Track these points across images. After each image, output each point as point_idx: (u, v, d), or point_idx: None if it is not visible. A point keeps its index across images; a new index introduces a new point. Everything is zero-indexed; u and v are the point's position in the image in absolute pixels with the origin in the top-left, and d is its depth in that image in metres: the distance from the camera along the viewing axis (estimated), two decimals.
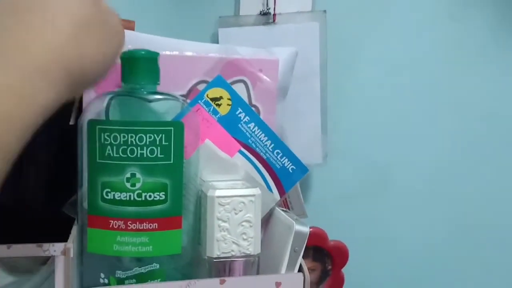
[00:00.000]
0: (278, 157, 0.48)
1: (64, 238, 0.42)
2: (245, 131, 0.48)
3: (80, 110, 0.46)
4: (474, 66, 0.67)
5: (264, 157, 0.48)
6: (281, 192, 0.49)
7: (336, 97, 0.63)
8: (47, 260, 0.44)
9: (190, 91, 0.48)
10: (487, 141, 0.69)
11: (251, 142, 0.48)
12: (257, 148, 0.48)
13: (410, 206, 0.68)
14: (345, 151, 0.66)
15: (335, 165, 0.64)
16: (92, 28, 0.30)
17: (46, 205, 0.49)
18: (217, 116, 0.48)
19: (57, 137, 0.49)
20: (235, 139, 0.48)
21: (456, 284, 0.70)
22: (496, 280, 0.71)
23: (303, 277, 0.45)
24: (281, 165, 0.48)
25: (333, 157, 0.63)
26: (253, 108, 0.49)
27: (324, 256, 0.61)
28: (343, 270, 0.61)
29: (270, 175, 0.48)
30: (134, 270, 0.43)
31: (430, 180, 0.68)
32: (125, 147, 0.41)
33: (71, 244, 0.41)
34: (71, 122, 0.46)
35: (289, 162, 0.48)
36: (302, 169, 0.49)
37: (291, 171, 0.49)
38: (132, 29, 0.50)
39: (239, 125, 0.48)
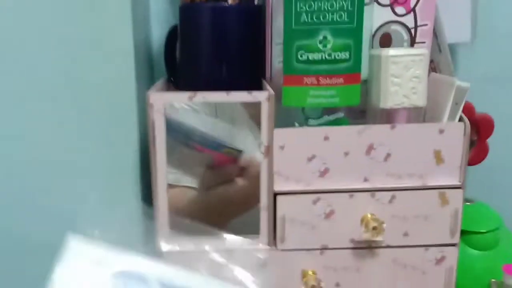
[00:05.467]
0: None
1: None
2: None
3: None
4: None
5: None
6: None
7: None
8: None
9: None
10: None
11: None
12: None
13: None
14: (495, 33, 0.69)
15: (483, 46, 0.68)
16: None
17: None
18: None
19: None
20: None
21: None
22: None
23: (464, 126, 0.52)
24: None
25: (482, 38, 0.67)
26: None
27: (471, 128, 0.66)
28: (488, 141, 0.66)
29: None
30: (323, 118, 0.53)
31: None
32: (319, 13, 0.49)
33: (273, 92, 0.51)
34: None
35: None
36: None
37: None
38: None
39: None
